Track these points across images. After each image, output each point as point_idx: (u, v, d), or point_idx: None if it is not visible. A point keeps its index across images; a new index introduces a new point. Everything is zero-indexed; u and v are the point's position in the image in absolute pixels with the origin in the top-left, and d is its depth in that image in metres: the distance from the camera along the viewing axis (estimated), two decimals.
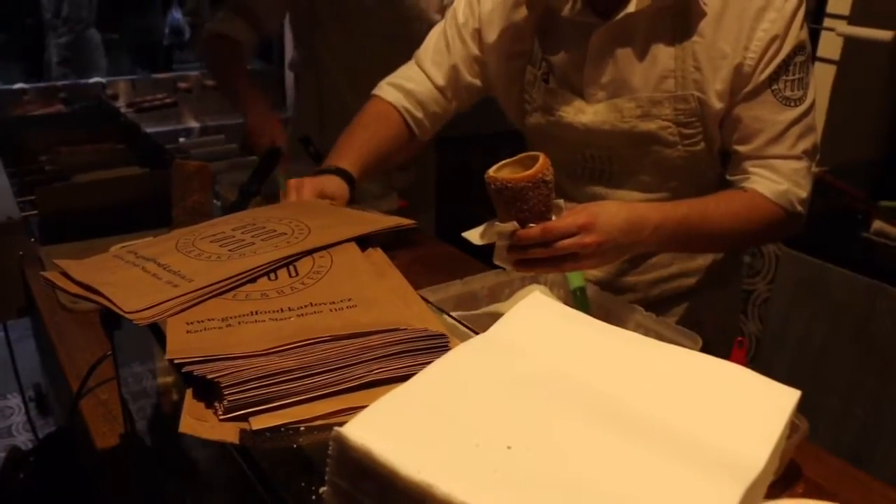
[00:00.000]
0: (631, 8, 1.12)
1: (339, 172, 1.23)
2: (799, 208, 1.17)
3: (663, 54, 1.16)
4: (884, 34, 1.97)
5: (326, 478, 0.48)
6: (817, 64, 2.13)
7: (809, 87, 1.16)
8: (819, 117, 2.16)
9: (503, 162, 1.02)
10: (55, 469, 1.52)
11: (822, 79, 2.13)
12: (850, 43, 2.08)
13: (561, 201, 1.04)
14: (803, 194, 1.17)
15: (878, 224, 2.07)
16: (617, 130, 1.21)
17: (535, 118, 1.30)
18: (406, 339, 0.69)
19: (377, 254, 0.91)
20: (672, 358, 0.57)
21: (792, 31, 1.11)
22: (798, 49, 1.13)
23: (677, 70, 1.16)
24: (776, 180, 1.15)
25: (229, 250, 0.88)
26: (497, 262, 1.08)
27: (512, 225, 1.02)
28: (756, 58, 1.12)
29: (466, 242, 1.11)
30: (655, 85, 1.17)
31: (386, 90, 1.38)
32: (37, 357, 2.11)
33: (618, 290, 1.31)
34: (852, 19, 2.07)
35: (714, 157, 1.24)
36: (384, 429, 0.46)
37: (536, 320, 0.60)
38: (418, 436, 0.46)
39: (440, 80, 1.36)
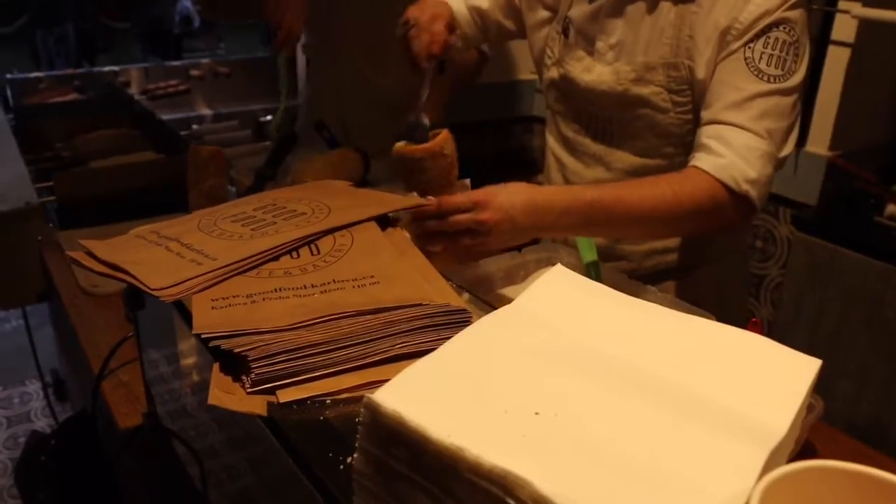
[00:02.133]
0: None
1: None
2: (745, 187, 1.07)
3: (665, 16, 1.16)
4: None
5: (357, 444, 0.49)
6: (831, 47, 2.11)
7: (795, 74, 1.11)
8: (832, 101, 2.15)
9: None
10: (76, 452, 1.54)
11: (836, 62, 2.11)
12: (864, 25, 2.06)
13: (467, 181, 1.07)
14: (752, 174, 1.08)
15: (891, 208, 2.07)
16: (613, 92, 1.22)
17: (551, 72, 1.33)
18: (429, 314, 0.70)
19: (397, 233, 0.92)
20: (694, 328, 0.57)
21: (782, 7, 1.09)
22: (779, 23, 1.09)
23: (673, 37, 1.16)
24: (720, 153, 1.09)
25: (251, 230, 0.89)
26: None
27: (413, 196, 1.04)
28: (742, 28, 1.10)
29: None
30: (653, 49, 1.18)
31: None
32: (54, 344, 2.13)
33: (613, 258, 1.32)
34: (867, 1, 2.06)
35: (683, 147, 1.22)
36: (414, 395, 0.47)
37: (559, 292, 0.61)
38: (448, 402, 0.47)
39: (478, 2, 1.41)
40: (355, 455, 0.50)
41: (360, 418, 0.49)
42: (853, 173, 2.14)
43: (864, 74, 2.12)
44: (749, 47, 1.10)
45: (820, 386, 0.69)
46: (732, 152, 1.08)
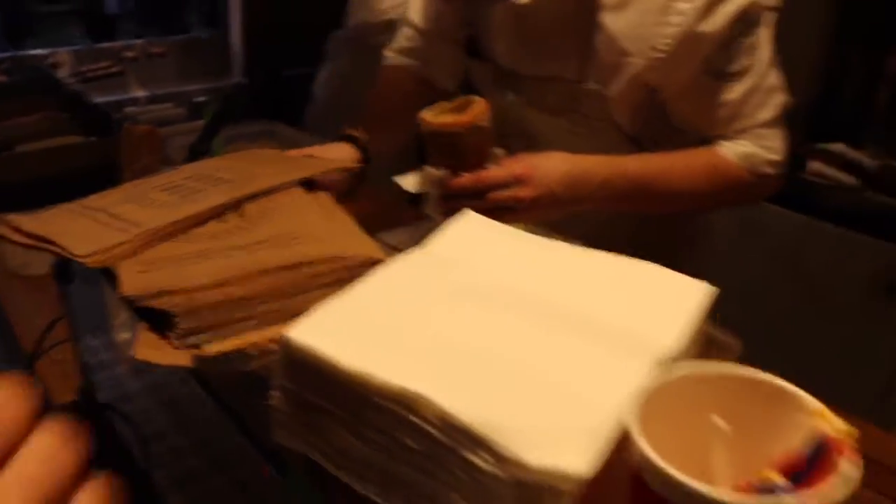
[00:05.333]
0: None
1: (347, 138, 1.20)
2: (769, 171, 1.09)
3: (565, 46, 1.08)
4: None
5: (275, 382, 0.52)
6: None
7: (760, 46, 1.04)
8: None
9: (440, 104, 0.99)
10: None
11: None
12: None
13: (501, 150, 1.00)
14: (774, 157, 1.09)
15: (813, 165, 2.15)
16: (528, 115, 1.18)
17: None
18: (352, 266, 0.73)
19: (324, 196, 0.94)
20: (596, 260, 0.61)
21: (713, 17, 0.97)
22: (732, 23, 0.99)
23: (578, 64, 1.08)
24: (741, 143, 1.08)
25: (179, 197, 0.90)
26: (428, 212, 1.03)
27: (444, 172, 0.98)
28: (668, 58, 1.00)
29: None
30: (558, 74, 1.12)
31: (392, 58, 1.34)
32: None
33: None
34: None
35: (629, 144, 1.16)
36: (326, 330, 0.50)
37: (469, 234, 0.64)
38: (358, 335, 0.50)
39: (432, 30, 1.30)
40: (273, 392, 0.53)
41: (277, 357, 0.51)
42: None
43: (787, 35, 2.19)
44: (709, 66, 1.03)
45: (743, 335, 0.72)
46: (751, 142, 1.07)
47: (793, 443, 0.40)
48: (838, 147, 2.20)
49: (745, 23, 1.01)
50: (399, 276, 0.57)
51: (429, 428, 0.44)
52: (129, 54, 2.93)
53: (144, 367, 1.18)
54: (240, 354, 0.67)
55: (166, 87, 2.76)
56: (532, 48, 1.12)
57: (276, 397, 0.52)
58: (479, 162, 0.98)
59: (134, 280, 0.73)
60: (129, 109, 2.53)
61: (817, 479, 0.37)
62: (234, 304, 0.68)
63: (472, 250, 0.62)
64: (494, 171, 0.97)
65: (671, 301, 0.56)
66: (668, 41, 0.99)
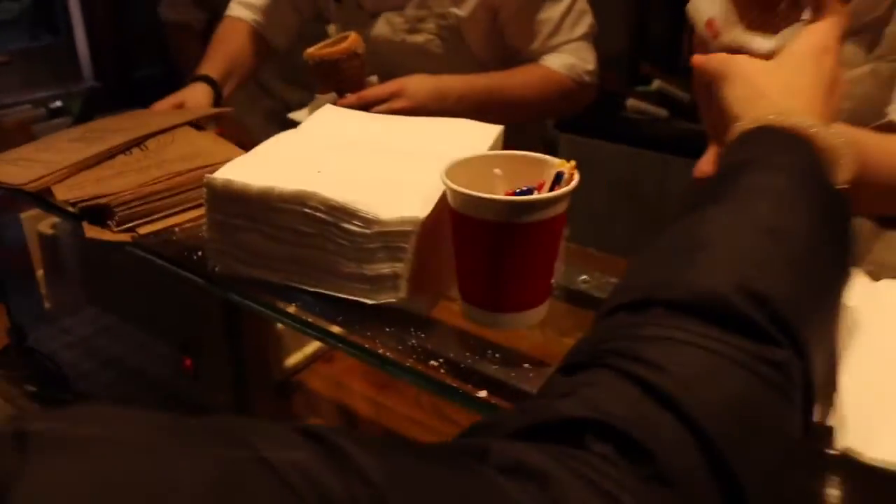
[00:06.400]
0: None
1: (202, 79, 1.33)
2: (587, 79, 1.32)
3: None
4: None
5: (205, 218, 0.72)
6: None
7: None
8: None
9: (322, 43, 1.20)
10: None
11: None
12: None
13: (374, 77, 1.22)
14: (589, 67, 1.33)
15: (632, 102, 2.49)
16: (392, 42, 1.34)
17: (330, 30, 1.48)
18: None
19: (212, 133, 1.13)
20: (424, 121, 0.86)
21: None
22: None
23: None
24: (563, 56, 1.30)
25: (85, 144, 1.07)
26: None
27: (331, 96, 1.19)
28: None
29: None
30: (417, 1, 1.29)
31: (235, 9, 1.47)
32: None
33: None
34: None
35: (478, 69, 1.33)
36: (236, 170, 0.71)
37: (330, 117, 0.87)
38: (259, 169, 0.71)
39: None
40: (204, 227, 0.73)
41: (204, 198, 0.71)
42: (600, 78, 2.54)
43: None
44: None
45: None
46: (571, 55, 1.31)
47: (545, 180, 0.65)
48: (656, 84, 2.55)
49: None
50: (280, 143, 0.79)
51: (317, 213, 0.66)
52: None
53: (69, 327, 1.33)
54: (168, 232, 0.86)
55: (16, 95, 2.78)
56: None
57: (206, 229, 0.73)
58: (359, 85, 1.19)
59: (68, 192, 0.91)
60: None
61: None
62: (157, 195, 0.87)
63: (334, 125, 0.84)
64: (373, 89, 1.18)
65: (476, 136, 0.80)
66: None
